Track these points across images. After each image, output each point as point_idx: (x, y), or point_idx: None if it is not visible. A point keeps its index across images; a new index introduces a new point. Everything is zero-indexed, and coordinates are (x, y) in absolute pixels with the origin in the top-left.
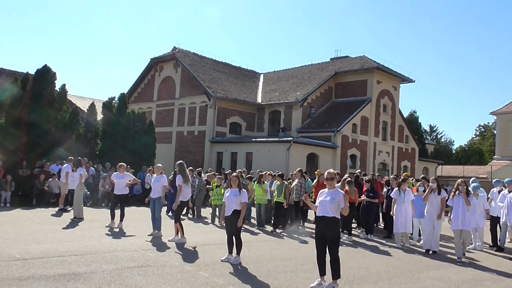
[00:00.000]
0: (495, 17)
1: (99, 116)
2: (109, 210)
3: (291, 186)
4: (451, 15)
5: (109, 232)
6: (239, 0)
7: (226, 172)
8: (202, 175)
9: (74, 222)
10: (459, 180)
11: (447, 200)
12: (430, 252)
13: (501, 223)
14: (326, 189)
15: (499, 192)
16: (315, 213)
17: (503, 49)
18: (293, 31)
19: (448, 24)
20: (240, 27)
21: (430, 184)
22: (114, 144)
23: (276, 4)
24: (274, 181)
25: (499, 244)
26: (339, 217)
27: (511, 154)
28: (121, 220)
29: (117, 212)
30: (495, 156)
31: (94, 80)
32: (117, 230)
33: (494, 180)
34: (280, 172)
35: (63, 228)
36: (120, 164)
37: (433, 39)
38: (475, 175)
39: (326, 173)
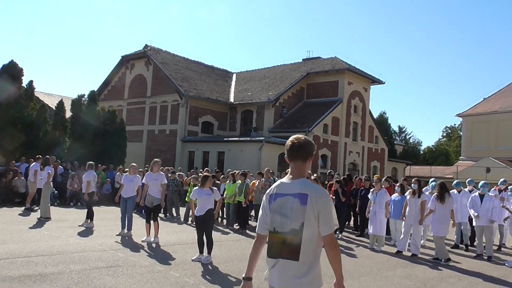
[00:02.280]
0: (462, 21)
1: (68, 114)
2: (82, 210)
3: (260, 185)
4: (420, 18)
5: (77, 232)
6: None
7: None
8: (179, 174)
9: (41, 222)
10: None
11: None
12: (410, 254)
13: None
14: None
15: (459, 192)
16: None
17: (469, 52)
18: (266, 31)
19: (417, 27)
20: (212, 26)
21: (412, 185)
22: (83, 143)
23: (248, 4)
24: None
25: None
26: None
27: (476, 155)
28: (87, 218)
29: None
30: (460, 157)
31: (63, 77)
32: (88, 228)
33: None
34: (243, 171)
35: (30, 228)
36: (88, 162)
37: (402, 42)
38: (441, 175)
39: None
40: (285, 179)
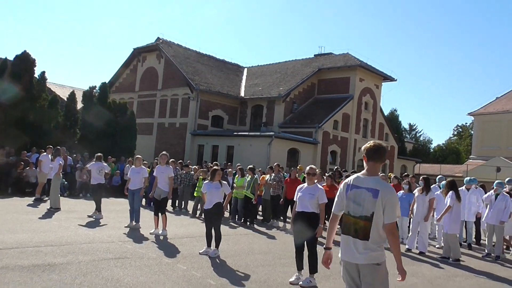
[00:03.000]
0: (474, 20)
1: (79, 105)
2: (92, 201)
3: (269, 181)
4: (433, 16)
5: (86, 223)
6: None
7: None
8: (190, 167)
9: (51, 212)
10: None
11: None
12: (418, 252)
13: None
14: (305, 184)
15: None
16: (291, 208)
17: (481, 51)
18: (278, 27)
19: (430, 25)
20: (224, 21)
21: (420, 183)
22: (94, 134)
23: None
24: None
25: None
26: (318, 213)
27: (486, 154)
28: (97, 209)
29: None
30: (471, 156)
31: (75, 68)
32: (97, 220)
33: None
34: (251, 166)
35: (39, 218)
36: (97, 154)
37: (415, 39)
38: (451, 173)
39: (307, 168)
40: (360, 174)
